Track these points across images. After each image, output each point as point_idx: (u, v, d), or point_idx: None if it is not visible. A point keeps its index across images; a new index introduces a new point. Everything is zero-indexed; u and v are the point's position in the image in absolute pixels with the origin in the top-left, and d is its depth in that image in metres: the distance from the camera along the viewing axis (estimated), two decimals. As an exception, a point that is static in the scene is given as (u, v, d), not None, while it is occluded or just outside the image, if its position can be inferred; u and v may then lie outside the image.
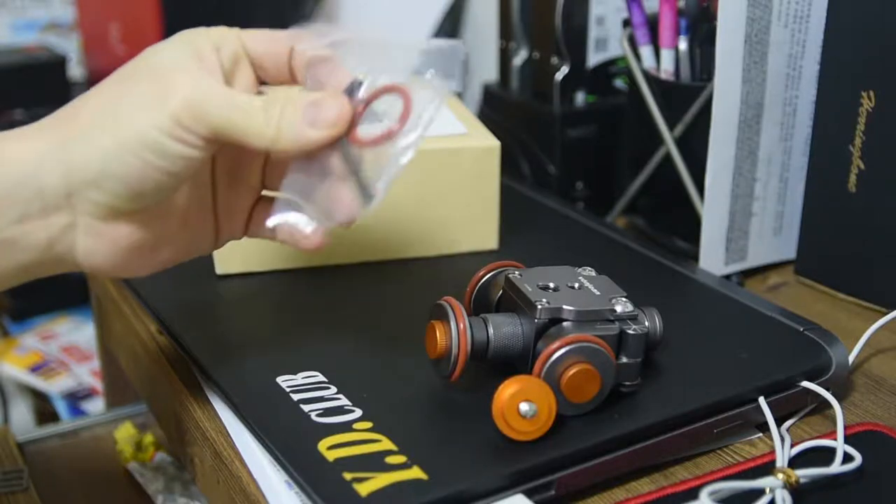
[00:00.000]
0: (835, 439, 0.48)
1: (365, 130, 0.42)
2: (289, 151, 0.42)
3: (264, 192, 0.49)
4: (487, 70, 0.95)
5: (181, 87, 0.41)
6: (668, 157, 0.68)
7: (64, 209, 0.42)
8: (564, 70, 0.77)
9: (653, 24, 0.69)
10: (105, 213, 0.42)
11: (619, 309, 0.48)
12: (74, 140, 0.41)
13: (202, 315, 0.57)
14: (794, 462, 0.47)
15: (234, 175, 0.47)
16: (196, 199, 0.46)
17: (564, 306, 0.47)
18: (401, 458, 0.43)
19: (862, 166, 0.62)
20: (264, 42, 0.47)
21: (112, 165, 0.40)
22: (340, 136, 0.42)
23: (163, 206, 0.44)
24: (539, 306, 0.47)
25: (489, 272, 0.53)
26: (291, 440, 0.45)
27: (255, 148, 0.42)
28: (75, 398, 1.11)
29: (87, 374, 1.14)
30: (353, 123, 0.42)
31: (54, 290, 1.18)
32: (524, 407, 0.43)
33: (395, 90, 0.42)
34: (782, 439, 0.48)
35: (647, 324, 0.49)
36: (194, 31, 0.45)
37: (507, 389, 0.43)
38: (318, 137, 0.42)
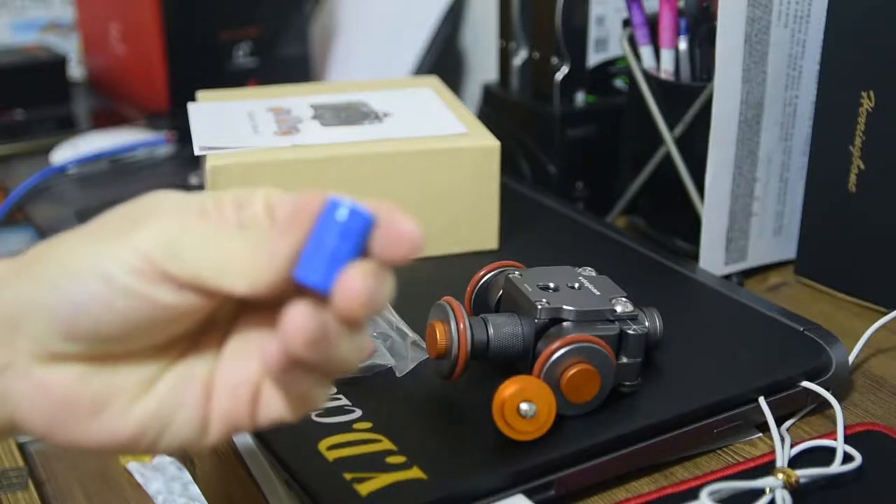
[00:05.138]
0: (835, 439, 0.48)
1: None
2: (270, 284, 0.33)
3: None
4: (487, 70, 0.95)
5: (158, 218, 0.34)
6: (668, 157, 0.68)
7: (1, 345, 0.34)
8: (564, 70, 0.77)
9: (653, 24, 0.69)
10: (40, 354, 0.34)
11: (619, 309, 0.48)
12: (26, 268, 0.35)
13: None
14: (794, 462, 0.47)
15: (248, 341, 0.36)
16: (172, 359, 0.36)
17: (564, 306, 0.47)
18: (400, 459, 0.44)
19: (862, 166, 0.62)
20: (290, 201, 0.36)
21: (56, 295, 0.33)
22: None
23: (115, 359, 0.35)
24: (539, 306, 0.47)
25: (489, 272, 0.53)
26: (291, 440, 0.45)
27: (234, 293, 0.33)
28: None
29: (87, 374, 1.14)
30: None
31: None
32: (524, 407, 0.43)
33: None
34: (782, 439, 0.48)
35: (647, 324, 0.49)
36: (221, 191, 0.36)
37: (507, 389, 0.43)
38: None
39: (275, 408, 0.36)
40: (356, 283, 0.32)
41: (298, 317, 0.32)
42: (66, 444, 0.36)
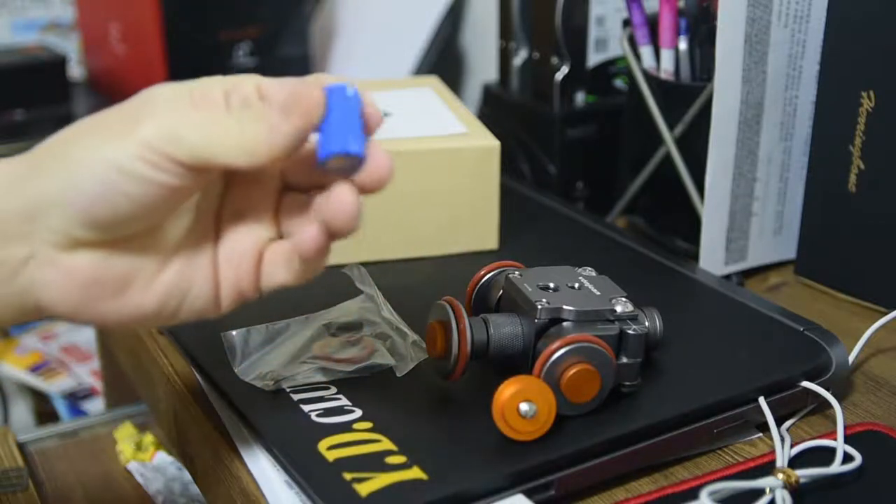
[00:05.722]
0: (835, 439, 0.48)
1: None
2: (270, 157, 0.38)
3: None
4: (487, 70, 0.95)
5: (158, 113, 0.38)
6: (668, 157, 0.68)
7: (22, 238, 0.38)
8: (564, 70, 0.77)
9: (653, 24, 0.69)
10: (63, 242, 0.38)
11: (619, 309, 0.48)
12: (39, 165, 0.39)
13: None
14: (794, 462, 0.47)
15: (240, 216, 0.42)
16: (182, 238, 0.41)
17: (564, 306, 0.47)
18: (401, 459, 0.44)
19: (862, 166, 0.62)
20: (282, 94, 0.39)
21: (72, 188, 0.37)
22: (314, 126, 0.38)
23: (131, 242, 0.39)
24: (539, 306, 0.47)
25: (489, 272, 0.53)
26: (291, 440, 0.45)
27: (236, 166, 0.38)
28: (75, 398, 1.11)
29: (87, 374, 1.14)
30: None
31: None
32: (524, 407, 0.43)
33: None
34: (782, 439, 0.48)
35: (647, 324, 0.49)
36: (208, 77, 0.40)
37: (507, 389, 0.43)
38: (293, 129, 0.38)
39: (278, 275, 0.41)
40: (382, 151, 0.39)
41: (347, 196, 0.38)
42: (94, 322, 0.41)
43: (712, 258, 0.65)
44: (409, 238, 0.64)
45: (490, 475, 0.43)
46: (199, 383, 0.52)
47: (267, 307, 0.48)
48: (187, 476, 0.72)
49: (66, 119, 1.04)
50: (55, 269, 0.39)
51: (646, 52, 0.70)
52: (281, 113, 0.38)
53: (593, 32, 0.77)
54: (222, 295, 0.42)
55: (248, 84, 0.39)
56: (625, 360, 0.47)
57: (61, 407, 1.12)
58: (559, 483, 0.44)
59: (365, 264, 0.63)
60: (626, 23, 0.71)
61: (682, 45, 0.67)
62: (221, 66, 0.99)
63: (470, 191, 0.64)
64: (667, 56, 0.68)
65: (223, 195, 0.42)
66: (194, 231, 0.41)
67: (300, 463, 0.44)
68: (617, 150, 0.78)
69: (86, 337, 1.18)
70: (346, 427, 0.46)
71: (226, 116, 0.38)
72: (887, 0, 0.58)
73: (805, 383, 0.51)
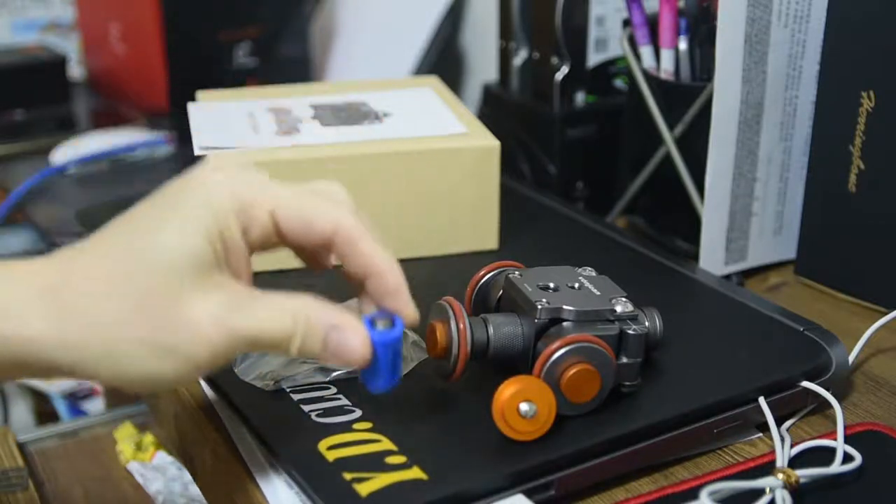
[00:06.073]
0: (835, 439, 0.48)
1: None
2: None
3: None
4: (487, 70, 0.95)
5: (203, 333, 0.38)
6: (668, 157, 0.68)
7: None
8: (564, 70, 0.77)
9: (653, 24, 0.69)
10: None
11: (619, 309, 0.48)
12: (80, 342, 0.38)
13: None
14: (794, 462, 0.47)
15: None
16: None
17: (564, 306, 0.47)
18: (401, 459, 0.44)
19: (862, 166, 0.62)
20: (299, 227, 0.42)
21: (110, 375, 0.38)
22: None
23: None
24: (539, 306, 0.47)
25: (489, 272, 0.53)
26: (291, 440, 0.45)
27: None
28: (75, 398, 1.11)
29: (87, 374, 1.14)
30: None
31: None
32: (524, 407, 0.43)
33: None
34: (782, 439, 0.48)
35: (647, 324, 0.49)
36: (220, 202, 0.40)
37: (507, 389, 0.43)
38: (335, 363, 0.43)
39: None
40: (413, 316, 0.44)
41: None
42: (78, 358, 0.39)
43: (712, 258, 0.65)
44: (409, 238, 0.64)
45: (490, 475, 0.43)
46: (199, 383, 0.52)
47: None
48: (187, 476, 0.72)
49: (66, 119, 1.04)
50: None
51: (646, 52, 0.70)
52: (325, 357, 0.41)
53: (593, 32, 0.77)
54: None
55: (263, 211, 0.41)
56: (625, 360, 0.47)
57: (61, 407, 1.11)
58: (559, 483, 0.44)
59: (365, 264, 0.63)
60: (626, 23, 0.71)
61: (682, 45, 0.67)
62: (221, 66, 0.99)
63: (470, 191, 0.64)
64: (667, 56, 0.68)
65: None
66: None
67: (300, 463, 0.44)
68: (617, 150, 0.78)
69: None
70: (346, 427, 0.46)
71: (280, 331, 0.40)
72: (887, 0, 0.58)
73: (805, 383, 0.51)
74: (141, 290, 0.38)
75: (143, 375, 0.38)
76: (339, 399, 0.48)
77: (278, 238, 0.42)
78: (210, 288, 0.39)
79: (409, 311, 0.43)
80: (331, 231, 0.41)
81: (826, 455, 0.47)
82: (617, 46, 0.78)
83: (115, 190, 0.85)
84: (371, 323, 0.42)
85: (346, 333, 0.41)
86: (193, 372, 0.39)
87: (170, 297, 0.38)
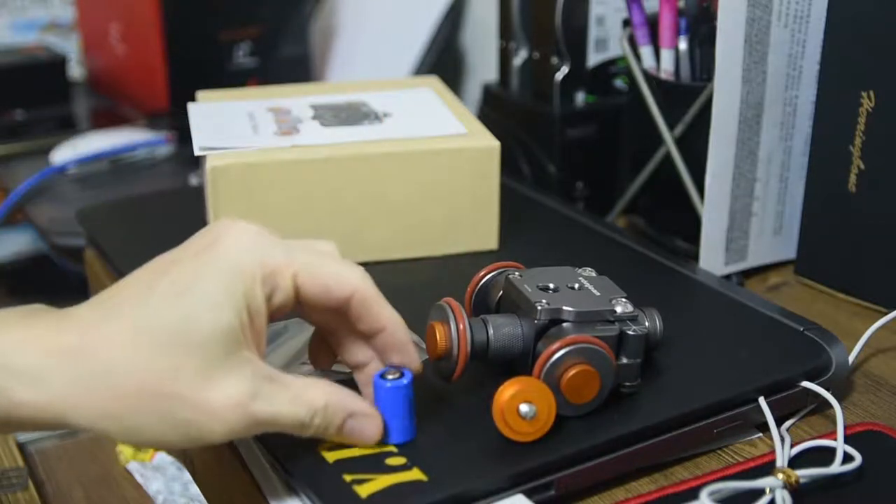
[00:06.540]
0: (835, 439, 0.48)
1: None
2: None
3: None
4: (487, 70, 0.95)
5: (223, 416, 0.39)
6: (668, 157, 0.68)
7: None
8: (564, 70, 0.77)
9: (653, 24, 0.69)
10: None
11: (619, 310, 0.48)
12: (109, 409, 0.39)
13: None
14: (794, 462, 0.47)
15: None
16: None
17: (564, 307, 0.47)
18: (401, 460, 0.44)
19: (862, 166, 0.62)
20: (320, 292, 0.43)
21: (128, 436, 0.40)
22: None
23: None
24: (539, 307, 0.47)
25: (489, 273, 0.53)
26: (291, 441, 0.45)
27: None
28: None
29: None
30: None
31: (53, 290, 1.18)
32: (524, 408, 0.43)
33: None
34: (782, 439, 0.48)
35: (647, 324, 0.49)
36: (250, 270, 0.41)
37: (507, 390, 0.43)
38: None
39: None
40: (417, 365, 0.46)
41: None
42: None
43: (712, 258, 0.65)
44: (409, 238, 0.64)
45: (490, 476, 0.43)
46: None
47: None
48: (187, 476, 0.72)
49: (66, 119, 1.04)
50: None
51: (646, 52, 0.70)
52: (341, 440, 0.44)
53: (593, 32, 0.77)
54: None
55: (286, 279, 0.42)
56: (625, 360, 0.47)
57: (61, 407, 1.11)
58: (559, 483, 0.44)
59: (365, 264, 0.62)
60: (626, 23, 0.71)
61: (682, 45, 0.67)
62: (221, 66, 0.99)
63: (470, 191, 0.64)
64: (667, 56, 0.68)
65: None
66: None
67: (300, 464, 0.44)
68: (617, 150, 0.78)
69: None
70: (346, 427, 0.46)
71: (300, 416, 0.42)
72: (887, 0, 0.58)
73: (805, 383, 0.51)
74: (168, 367, 0.39)
75: (156, 441, 0.40)
76: (339, 399, 0.48)
77: (296, 302, 0.43)
78: (235, 365, 0.40)
79: (416, 364, 0.45)
80: (349, 294, 0.43)
81: (826, 455, 0.47)
82: (617, 46, 0.78)
83: (115, 190, 0.85)
84: (382, 376, 0.44)
85: (363, 420, 0.43)
86: (206, 444, 0.40)
87: (196, 379, 0.39)
